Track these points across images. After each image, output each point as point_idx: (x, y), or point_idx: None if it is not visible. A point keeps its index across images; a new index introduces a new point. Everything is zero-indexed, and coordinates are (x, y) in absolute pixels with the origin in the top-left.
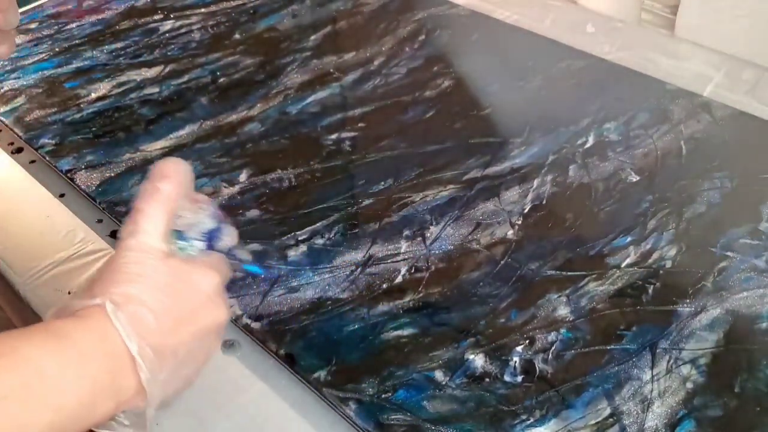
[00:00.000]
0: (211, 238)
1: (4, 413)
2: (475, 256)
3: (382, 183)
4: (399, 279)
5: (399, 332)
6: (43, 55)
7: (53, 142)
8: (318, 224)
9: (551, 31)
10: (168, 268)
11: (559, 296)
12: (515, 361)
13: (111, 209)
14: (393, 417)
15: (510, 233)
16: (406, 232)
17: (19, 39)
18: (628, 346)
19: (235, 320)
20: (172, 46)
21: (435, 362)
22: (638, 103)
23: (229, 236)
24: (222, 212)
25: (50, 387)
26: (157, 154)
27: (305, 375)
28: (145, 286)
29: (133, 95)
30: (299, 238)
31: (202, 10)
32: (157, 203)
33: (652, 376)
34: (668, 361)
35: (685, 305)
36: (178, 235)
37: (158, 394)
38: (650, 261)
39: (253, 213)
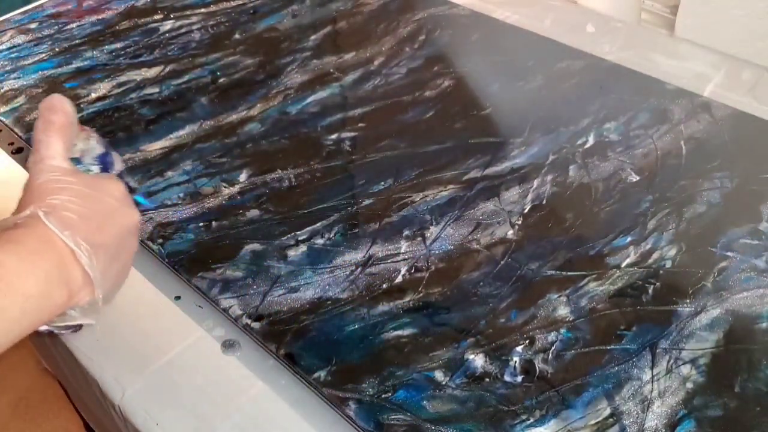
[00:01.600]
0: (103, 162)
1: (9, 296)
2: (475, 256)
3: (382, 183)
4: (399, 279)
5: (399, 332)
6: (43, 55)
7: None
8: (318, 224)
9: (551, 31)
10: (80, 181)
11: (559, 296)
12: (515, 361)
13: None
14: (393, 417)
15: (510, 233)
16: (406, 232)
17: (19, 39)
18: (628, 346)
19: (235, 320)
20: (172, 46)
21: (435, 362)
22: (638, 103)
23: (118, 161)
24: (105, 140)
25: (14, 277)
26: (157, 154)
27: (305, 375)
28: (66, 196)
29: (133, 95)
30: (299, 238)
31: (202, 10)
32: (53, 132)
33: (652, 376)
34: (668, 361)
35: (685, 305)
36: (76, 162)
37: (100, 280)
38: (650, 261)
39: (253, 213)
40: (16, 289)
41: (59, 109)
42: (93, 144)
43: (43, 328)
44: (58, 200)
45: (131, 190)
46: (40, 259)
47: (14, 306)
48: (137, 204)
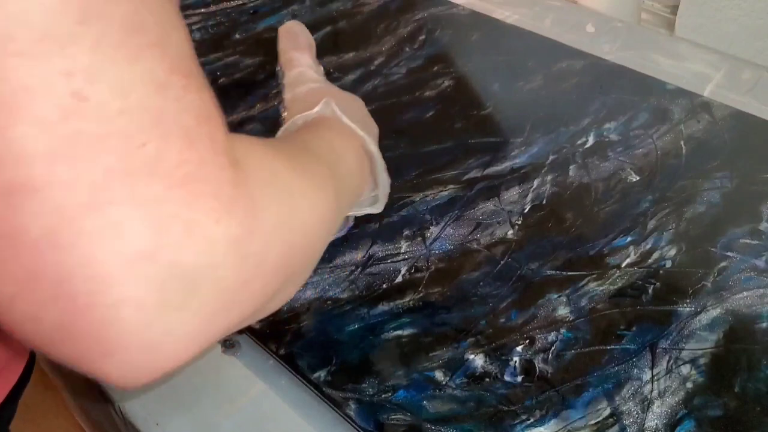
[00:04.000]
0: None
1: (342, 165)
2: (475, 256)
3: None
4: (399, 279)
5: (399, 332)
6: None
7: None
8: None
9: (551, 31)
10: (337, 90)
11: (559, 296)
12: (515, 361)
13: None
14: (393, 417)
15: (510, 233)
16: (406, 232)
17: None
18: (628, 346)
19: None
20: None
21: (435, 362)
22: (638, 103)
23: None
24: None
25: (342, 150)
26: None
27: (305, 375)
28: (337, 99)
29: None
30: None
31: (202, 10)
32: (304, 49)
33: (652, 376)
34: (668, 361)
35: (685, 305)
36: None
37: (382, 167)
38: (650, 261)
39: None
40: (345, 160)
41: (300, 32)
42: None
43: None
44: (334, 103)
45: None
46: (350, 139)
47: (347, 173)
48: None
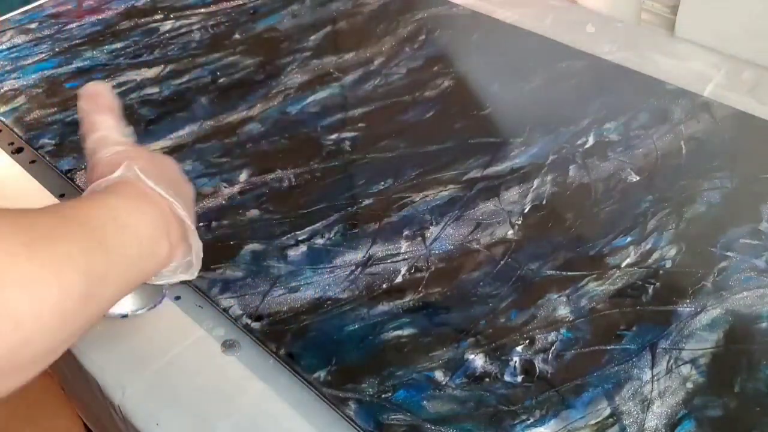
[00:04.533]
0: None
1: (125, 235)
2: (475, 256)
3: (382, 183)
4: (399, 279)
5: (399, 332)
6: (43, 55)
7: (53, 142)
8: (318, 224)
9: (551, 31)
10: (146, 152)
11: (559, 296)
12: (515, 361)
13: None
14: (393, 417)
15: (510, 233)
16: (406, 232)
17: (19, 39)
18: (628, 346)
19: (235, 320)
20: (172, 46)
21: (435, 362)
22: (638, 103)
23: None
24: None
25: (128, 218)
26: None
27: (305, 375)
28: (142, 163)
29: (133, 95)
30: (299, 238)
31: (202, 10)
32: (105, 111)
33: (652, 376)
34: (668, 361)
35: (685, 305)
36: None
37: (195, 233)
38: (650, 261)
39: (253, 213)
40: (131, 230)
41: (102, 92)
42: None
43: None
44: (137, 167)
45: None
46: (146, 204)
47: (132, 245)
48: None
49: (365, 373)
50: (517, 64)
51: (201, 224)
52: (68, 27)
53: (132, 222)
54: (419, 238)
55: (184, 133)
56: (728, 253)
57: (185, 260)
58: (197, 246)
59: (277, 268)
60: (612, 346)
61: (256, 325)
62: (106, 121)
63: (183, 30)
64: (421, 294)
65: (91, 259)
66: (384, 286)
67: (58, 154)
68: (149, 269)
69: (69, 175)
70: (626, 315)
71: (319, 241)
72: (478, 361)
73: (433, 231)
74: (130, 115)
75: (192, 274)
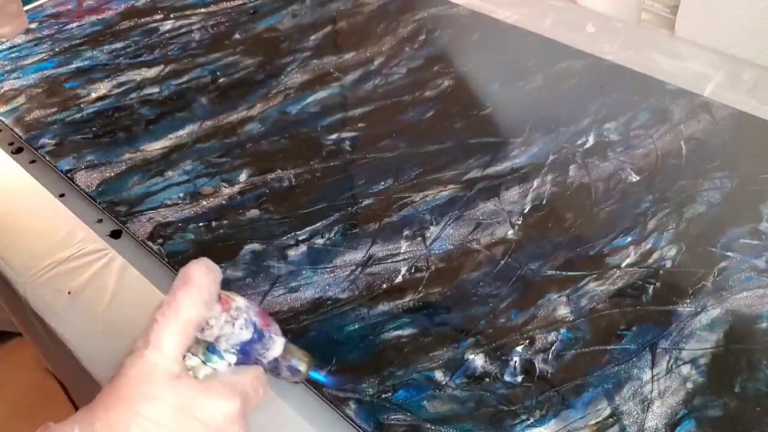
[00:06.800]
0: (245, 352)
1: None
2: (475, 256)
3: (382, 183)
4: (399, 279)
5: (399, 332)
6: (43, 55)
7: (53, 142)
8: (318, 224)
9: (551, 31)
10: (172, 394)
11: (559, 296)
12: (515, 361)
13: (111, 209)
14: (393, 417)
15: (510, 233)
16: (406, 232)
17: (19, 39)
18: (628, 346)
19: None
20: (172, 46)
21: (435, 362)
22: (638, 103)
23: (271, 347)
24: (264, 313)
25: None
26: (157, 154)
27: None
28: (141, 415)
29: (133, 95)
30: (299, 238)
31: (202, 10)
32: (173, 313)
33: (652, 376)
34: (668, 361)
35: (685, 305)
36: (208, 347)
37: None
38: (650, 261)
39: (253, 213)
40: None
41: (194, 283)
42: (237, 329)
43: None
44: (123, 419)
45: (294, 373)
46: None
47: None
48: (315, 382)
49: (365, 373)
50: (517, 64)
51: (201, 224)
52: (68, 27)
53: None
54: (419, 238)
55: (184, 133)
56: (728, 253)
57: None
58: None
59: (277, 268)
60: (612, 346)
61: None
62: (166, 334)
63: (183, 30)
64: (421, 294)
65: None
66: (384, 286)
67: (58, 154)
68: None
69: (69, 175)
70: (626, 315)
71: (319, 241)
72: (478, 361)
73: (433, 231)
74: (130, 114)
75: None
